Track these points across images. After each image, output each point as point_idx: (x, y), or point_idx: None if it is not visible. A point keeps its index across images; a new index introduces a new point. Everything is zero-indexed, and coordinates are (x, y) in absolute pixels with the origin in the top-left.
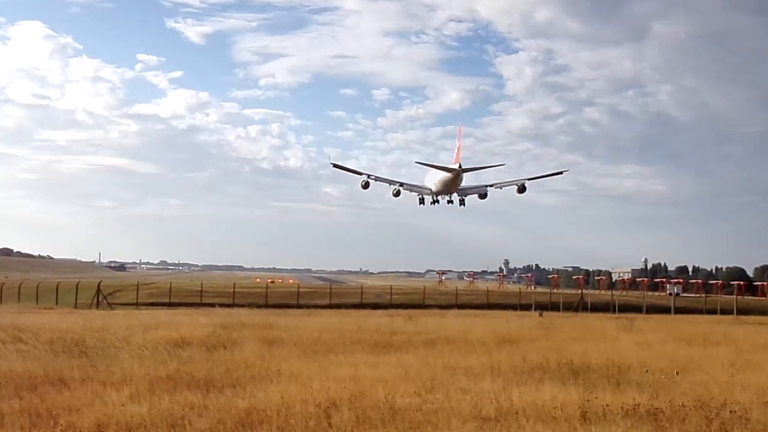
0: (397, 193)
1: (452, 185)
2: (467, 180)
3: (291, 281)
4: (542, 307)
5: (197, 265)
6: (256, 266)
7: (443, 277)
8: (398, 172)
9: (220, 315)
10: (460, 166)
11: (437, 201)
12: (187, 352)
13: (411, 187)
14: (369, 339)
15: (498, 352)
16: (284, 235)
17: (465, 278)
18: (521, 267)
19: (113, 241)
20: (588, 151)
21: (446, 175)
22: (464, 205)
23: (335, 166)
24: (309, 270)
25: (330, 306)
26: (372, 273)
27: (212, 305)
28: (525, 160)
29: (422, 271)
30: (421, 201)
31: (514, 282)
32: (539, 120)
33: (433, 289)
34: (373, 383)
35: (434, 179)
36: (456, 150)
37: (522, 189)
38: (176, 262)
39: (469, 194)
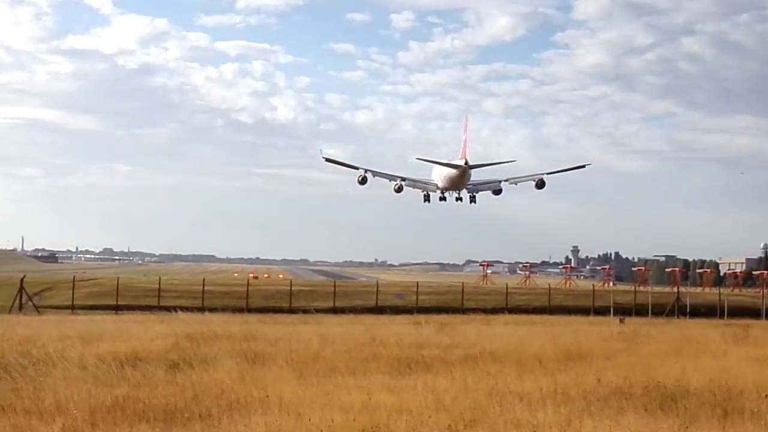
0: (399, 189)
1: (459, 182)
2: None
3: (281, 276)
4: (624, 311)
5: (154, 255)
6: (233, 256)
7: (489, 271)
8: (426, 128)
9: (185, 322)
10: (466, 163)
11: (444, 198)
12: (141, 371)
13: (414, 183)
14: (387, 355)
15: (563, 372)
16: (272, 213)
17: (519, 272)
18: (595, 257)
19: (40, 222)
20: (686, 97)
21: (452, 171)
22: (475, 202)
23: (328, 160)
24: (306, 261)
25: (334, 310)
26: (392, 265)
27: (174, 309)
28: (600, 109)
29: (460, 263)
30: (426, 198)
31: (585, 277)
32: (620, 55)
33: (476, 287)
34: (392, 414)
35: (440, 174)
36: (462, 143)
37: (541, 184)
38: (125, 250)
39: (482, 190)
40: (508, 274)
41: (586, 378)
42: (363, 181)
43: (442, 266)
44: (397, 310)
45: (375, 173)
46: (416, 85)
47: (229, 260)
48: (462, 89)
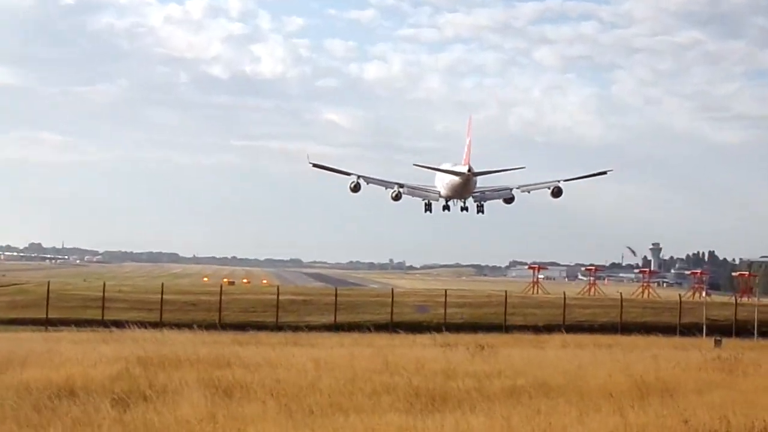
0: (397, 197)
1: (463, 190)
2: (489, 180)
3: (265, 282)
4: (721, 330)
5: (97, 253)
6: (202, 255)
7: (540, 276)
8: (458, 85)
9: (137, 342)
10: (470, 170)
11: (448, 207)
12: (80, 406)
13: (414, 190)
14: (405, 386)
15: (639, 410)
16: (253, 199)
17: (580, 277)
18: (683, 257)
19: None
20: None
21: (454, 179)
22: (482, 212)
23: (315, 166)
24: (297, 262)
25: (335, 326)
26: (412, 268)
27: (124, 324)
28: (690, 62)
29: (503, 265)
30: (428, 207)
31: (669, 284)
32: None
33: (523, 297)
34: None
35: (442, 182)
36: (466, 148)
37: (557, 192)
38: (58, 247)
39: (490, 199)
40: (566, 280)
41: (670, 419)
42: (356, 188)
43: (479, 269)
44: (418, 328)
45: (369, 180)
46: (445, 28)
47: (196, 260)
48: (506, 34)
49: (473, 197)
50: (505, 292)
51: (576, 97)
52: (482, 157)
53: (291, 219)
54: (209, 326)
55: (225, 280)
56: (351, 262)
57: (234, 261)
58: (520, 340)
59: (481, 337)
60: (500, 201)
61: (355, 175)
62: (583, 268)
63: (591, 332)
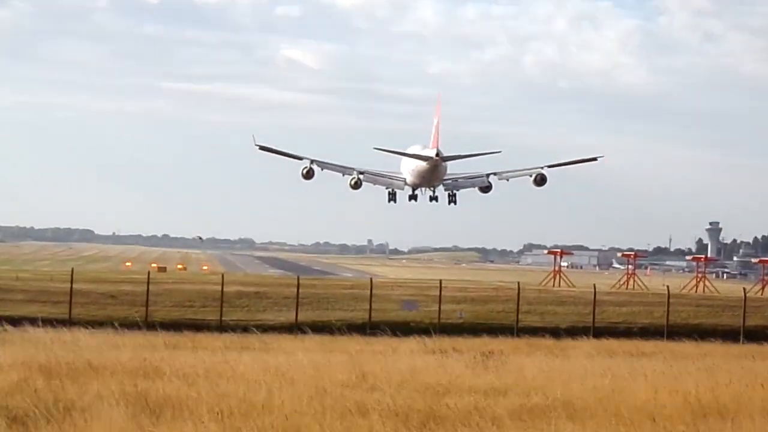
0: (356, 185)
1: (432, 177)
2: (460, 167)
3: (206, 268)
4: None
5: None
6: (123, 233)
7: (564, 264)
8: (459, 14)
9: (39, 344)
10: (438, 155)
11: (414, 197)
12: None
13: (376, 177)
14: (386, 405)
15: None
16: (192, 161)
17: (616, 265)
18: (748, 241)
19: None
20: None
21: (420, 165)
22: (455, 202)
23: (262, 149)
24: (249, 243)
25: (297, 326)
26: (398, 252)
27: (21, 321)
28: None
29: (515, 249)
30: (392, 197)
31: (730, 275)
32: None
33: (541, 291)
34: None
35: (408, 168)
36: (434, 128)
37: (540, 180)
38: None
39: (463, 187)
40: (596, 268)
41: None
42: (308, 174)
43: (484, 254)
44: (404, 329)
45: (324, 165)
46: None
47: (116, 239)
48: None
49: (444, 185)
50: (518, 284)
51: (613, 31)
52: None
53: (240, 187)
54: (133, 325)
55: (154, 265)
56: (318, 243)
57: (165, 241)
58: (535, 346)
59: (486, 342)
60: (528, 161)
61: (307, 159)
62: (619, 254)
63: (628, 337)
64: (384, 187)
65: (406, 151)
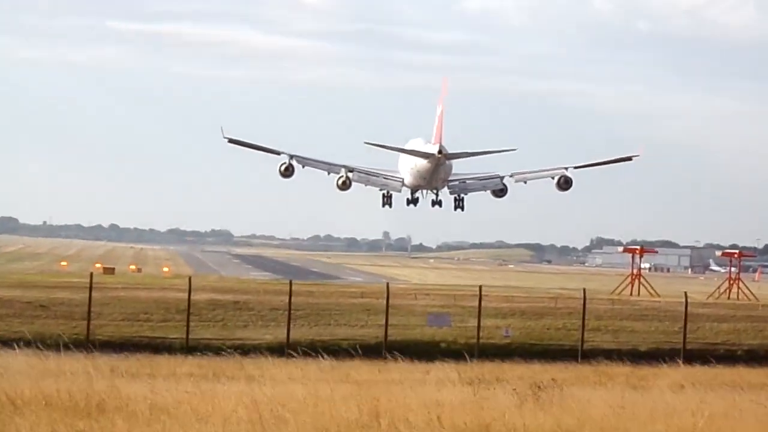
0: (344, 184)
1: (432, 178)
2: (465, 166)
3: (167, 270)
4: None
5: None
6: (58, 221)
7: (645, 266)
8: None
9: None
10: (440, 152)
11: (415, 200)
12: None
13: (368, 176)
14: None
15: None
16: (150, 125)
17: (713, 268)
18: None
19: None
20: None
21: (420, 163)
22: (462, 208)
23: (232, 142)
24: (225, 236)
25: (290, 347)
26: (425, 249)
27: None
28: None
29: (580, 246)
30: (387, 201)
31: None
32: None
33: (614, 301)
34: None
35: (407, 166)
36: (436, 119)
37: (564, 184)
38: None
39: (473, 190)
40: (688, 271)
41: None
42: (287, 171)
43: (538, 252)
44: (431, 352)
45: (305, 161)
46: None
47: (48, 230)
48: None
49: (449, 187)
50: (583, 291)
51: None
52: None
53: (213, 163)
54: (71, 344)
55: (98, 265)
56: (317, 237)
57: (113, 233)
58: (606, 375)
59: (540, 370)
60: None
61: (286, 155)
62: (718, 253)
63: (730, 363)
64: (377, 188)
65: (405, 147)
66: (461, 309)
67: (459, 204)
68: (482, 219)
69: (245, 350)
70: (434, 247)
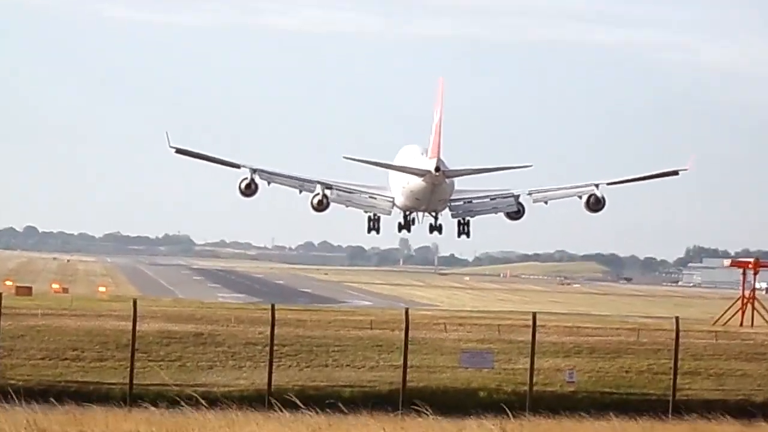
0: (320, 205)
1: (429, 199)
2: (470, 183)
3: (104, 290)
4: None
5: None
6: None
7: (761, 285)
8: None
9: None
10: (438, 169)
11: (408, 224)
12: None
13: (350, 195)
14: None
15: None
16: (77, 95)
17: None
18: None
19: None
20: None
21: (415, 182)
22: (467, 234)
23: (180, 152)
24: (185, 244)
25: (273, 396)
26: (459, 261)
27: None
28: None
29: (672, 258)
30: (373, 225)
31: None
32: None
33: (717, 334)
34: None
35: (398, 184)
36: (433, 126)
37: (596, 204)
38: None
39: (481, 212)
40: None
41: None
42: (249, 189)
43: (614, 266)
44: (466, 402)
45: (271, 177)
46: None
47: None
48: None
49: (451, 209)
50: (675, 320)
51: None
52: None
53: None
54: None
55: (9, 282)
56: (309, 245)
57: (31, 238)
58: None
59: (618, 428)
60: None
61: (247, 168)
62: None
63: None
64: (362, 211)
65: (396, 158)
66: (508, 345)
67: (464, 229)
68: (537, 222)
69: (211, 400)
70: (471, 259)
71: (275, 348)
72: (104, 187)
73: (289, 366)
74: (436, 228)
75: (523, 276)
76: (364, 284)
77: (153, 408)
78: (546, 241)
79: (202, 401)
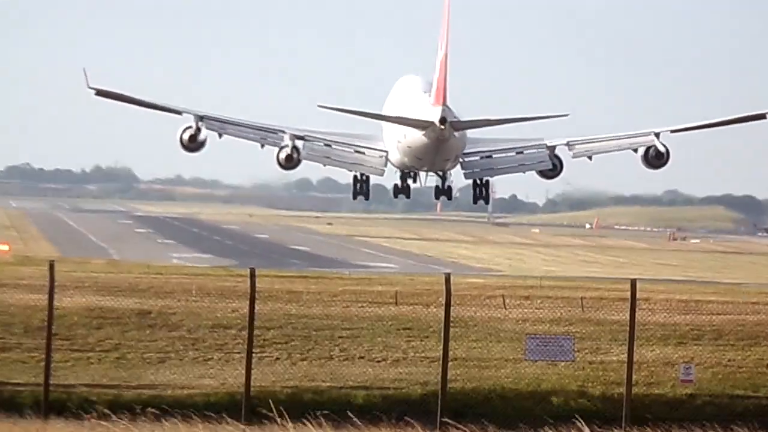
0: (289, 161)
1: (433, 158)
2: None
3: (5, 249)
4: None
5: None
6: None
7: None
8: None
9: None
10: (444, 120)
11: (405, 188)
12: None
13: (329, 150)
14: None
15: None
16: None
17: None
18: None
19: None
20: None
21: (414, 136)
22: (486, 200)
23: (100, 94)
24: (124, 180)
25: (248, 403)
26: (525, 206)
27: None
28: None
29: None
30: (361, 187)
31: None
32: None
33: None
34: None
35: (394, 138)
36: (437, 63)
37: (656, 159)
38: None
39: (502, 171)
40: None
41: None
42: (193, 141)
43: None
44: (530, 412)
45: (223, 125)
46: None
47: None
48: None
49: (464, 167)
50: None
51: None
52: None
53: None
54: None
55: None
56: (304, 182)
57: None
58: None
59: None
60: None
61: (192, 115)
62: None
63: None
64: (345, 170)
65: (392, 95)
66: (596, 327)
67: (481, 192)
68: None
69: (164, 409)
70: (542, 203)
71: (257, 333)
72: (10, 110)
73: (277, 359)
74: (443, 191)
75: (617, 227)
76: (384, 239)
77: (77, 421)
78: (650, 176)
79: (151, 409)
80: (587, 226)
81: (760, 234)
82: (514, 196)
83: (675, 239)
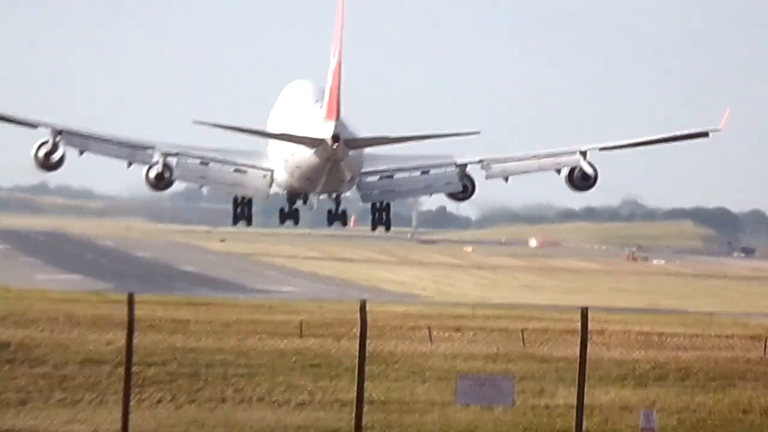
0: (159, 181)
1: (324, 179)
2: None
3: None
4: None
5: None
6: None
7: None
8: None
9: None
10: (336, 137)
11: (293, 212)
12: None
13: (205, 170)
14: None
15: None
16: None
17: None
18: None
19: None
20: None
21: (303, 155)
22: (387, 226)
23: None
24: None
25: None
26: (457, 220)
27: None
28: None
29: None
30: (242, 211)
31: None
32: None
33: None
34: None
35: (281, 157)
36: (330, 74)
37: (583, 180)
38: None
39: (403, 195)
40: None
41: None
42: (48, 159)
43: (723, 227)
44: None
45: (85, 141)
46: None
47: None
48: None
49: (360, 188)
50: None
51: None
52: None
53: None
54: None
55: None
56: (193, 192)
57: None
58: None
59: None
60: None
61: (49, 128)
62: None
63: None
64: (224, 194)
65: (279, 103)
66: (539, 365)
67: (381, 217)
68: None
69: None
70: (475, 217)
71: (136, 370)
72: None
73: (159, 401)
74: (337, 216)
75: (566, 245)
76: (289, 258)
77: None
78: (605, 184)
79: None
80: (530, 243)
81: (735, 254)
82: (442, 208)
83: (634, 260)
